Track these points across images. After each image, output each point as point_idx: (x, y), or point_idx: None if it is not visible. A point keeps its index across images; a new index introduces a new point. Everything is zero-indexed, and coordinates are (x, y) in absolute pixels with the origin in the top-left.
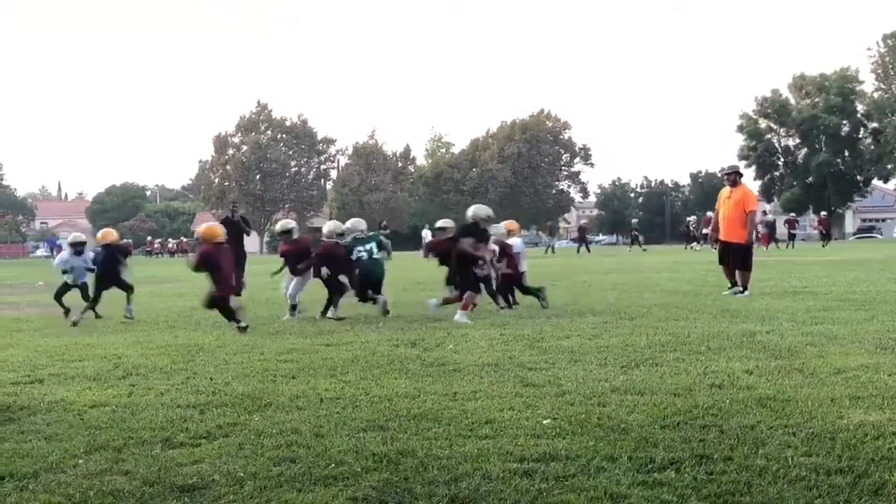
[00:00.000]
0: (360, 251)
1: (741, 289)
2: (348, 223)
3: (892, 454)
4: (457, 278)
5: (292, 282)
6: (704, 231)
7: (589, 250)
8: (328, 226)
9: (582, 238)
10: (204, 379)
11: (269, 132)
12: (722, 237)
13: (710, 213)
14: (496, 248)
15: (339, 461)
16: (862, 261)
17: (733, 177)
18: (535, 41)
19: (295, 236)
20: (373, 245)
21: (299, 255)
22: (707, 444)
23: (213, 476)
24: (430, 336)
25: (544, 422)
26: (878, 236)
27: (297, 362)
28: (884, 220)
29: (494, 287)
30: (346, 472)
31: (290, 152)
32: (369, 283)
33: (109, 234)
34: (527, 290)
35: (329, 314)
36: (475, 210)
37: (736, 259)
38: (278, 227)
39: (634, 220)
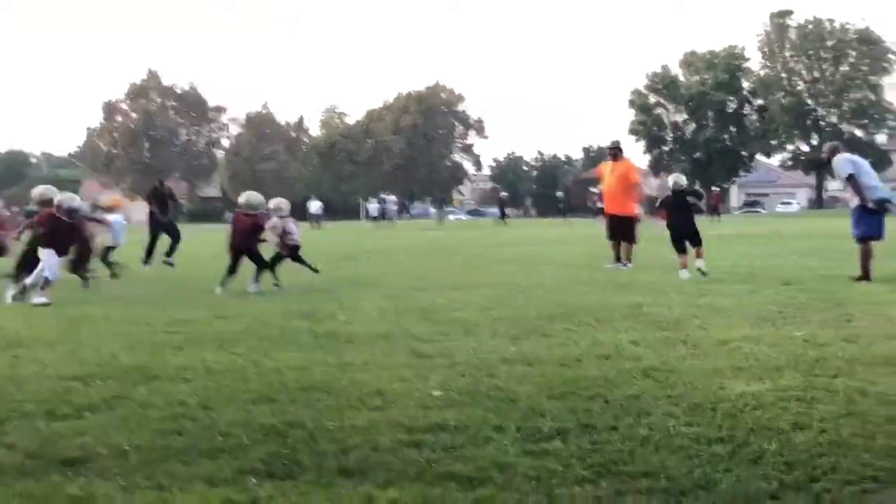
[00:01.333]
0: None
1: (625, 262)
2: (272, 202)
3: (770, 424)
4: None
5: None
6: (600, 205)
7: (506, 223)
8: (244, 196)
9: (502, 209)
10: (89, 350)
11: (158, 99)
12: (607, 210)
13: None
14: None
15: (226, 433)
16: (746, 235)
17: (615, 151)
18: (431, 13)
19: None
20: None
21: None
22: (593, 414)
23: (97, 449)
24: (322, 307)
25: (434, 393)
26: (762, 211)
27: (185, 334)
28: (767, 194)
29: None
30: (234, 445)
31: (181, 120)
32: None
33: None
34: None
35: (252, 289)
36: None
37: (621, 231)
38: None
39: (503, 193)
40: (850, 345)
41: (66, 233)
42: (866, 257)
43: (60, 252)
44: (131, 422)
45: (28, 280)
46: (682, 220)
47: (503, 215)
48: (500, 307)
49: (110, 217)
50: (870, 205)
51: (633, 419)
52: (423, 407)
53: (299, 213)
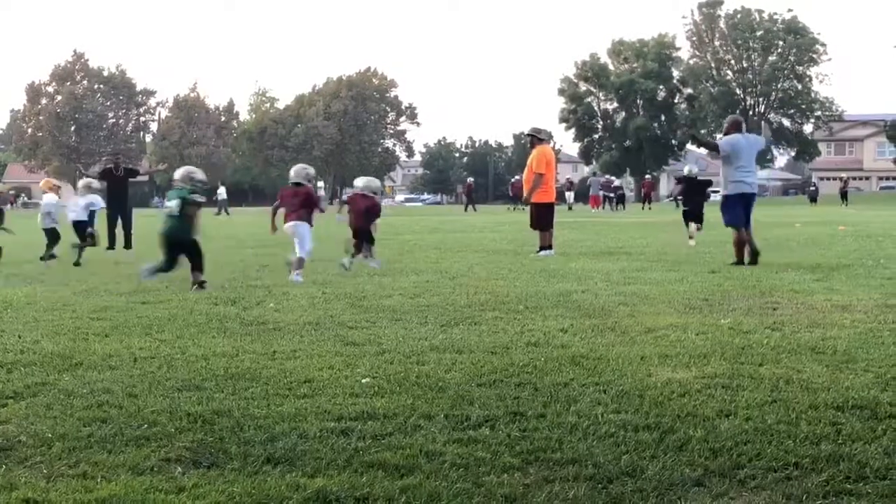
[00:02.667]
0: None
1: (540, 249)
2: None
3: (696, 411)
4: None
5: None
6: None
7: (475, 209)
8: (364, 181)
9: (469, 196)
10: (11, 337)
11: (85, 82)
12: (524, 199)
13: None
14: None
15: (152, 421)
16: (674, 222)
17: (530, 139)
18: None
19: None
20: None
21: None
22: (521, 401)
23: (19, 437)
24: (250, 294)
25: (363, 381)
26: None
27: (110, 320)
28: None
29: None
30: (160, 433)
31: (108, 103)
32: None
33: None
34: None
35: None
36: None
37: (534, 218)
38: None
39: (470, 179)
40: (775, 333)
41: None
42: (736, 242)
43: None
44: (55, 409)
45: None
46: (693, 204)
47: (471, 203)
48: (429, 294)
49: (43, 200)
50: (724, 192)
51: (562, 406)
52: (351, 395)
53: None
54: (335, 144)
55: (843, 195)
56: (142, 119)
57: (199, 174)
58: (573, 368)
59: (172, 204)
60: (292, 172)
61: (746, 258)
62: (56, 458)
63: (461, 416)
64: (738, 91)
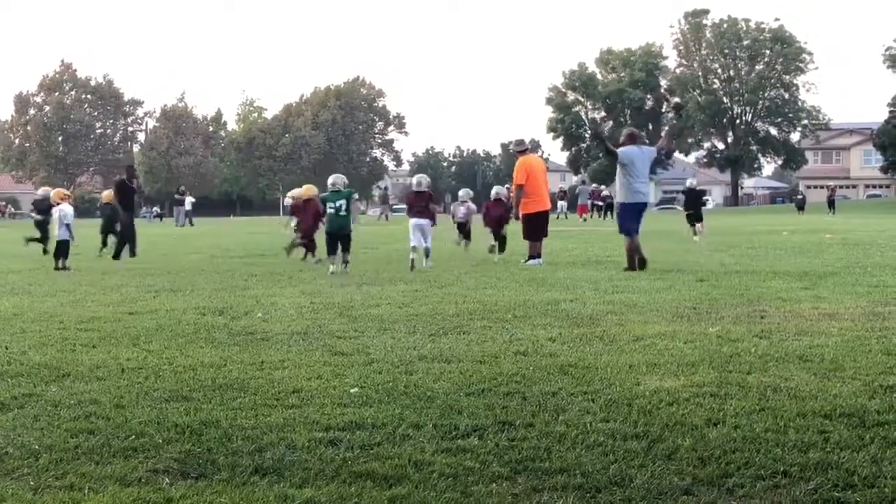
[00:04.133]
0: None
1: (529, 258)
2: (330, 179)
3: (685, 419)
4: None
5: None
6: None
7: None
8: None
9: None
10: None
11: (73, 92)
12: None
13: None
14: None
15: (139, 432)
16: (662, 231)
17: (515, 152)
18: (350, 6)
19: None
20: (343, 202)
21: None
22: (510, 410)
23: (6, 449)
24: (238, 304)
25: (351, 390)
26: (678, 207)
27: (98, 331)
28: (684, 191)
29: None
30: (147, 444)
31: (96, 113)
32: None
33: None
34: None
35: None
36: None
37: (523, 228)
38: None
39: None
40: (763, 341)
41: None
42: (628, 249)
43: None
44: (42, 420)
45: None
46: (695, 209)
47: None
48: (418, 303)
49: (56, 209)
50: (619, 200)
51: (550, 416)
52: (339, 405)
53: (229, 207)
54: (323, 154)
55: (831, 203)
56: (129, 129)
57: (344, 179)
58: (562, 377)
59: (339, 204)
60: (414, 181)
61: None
62: (43, 469)
63: (450, 425)
64: (725, 100)
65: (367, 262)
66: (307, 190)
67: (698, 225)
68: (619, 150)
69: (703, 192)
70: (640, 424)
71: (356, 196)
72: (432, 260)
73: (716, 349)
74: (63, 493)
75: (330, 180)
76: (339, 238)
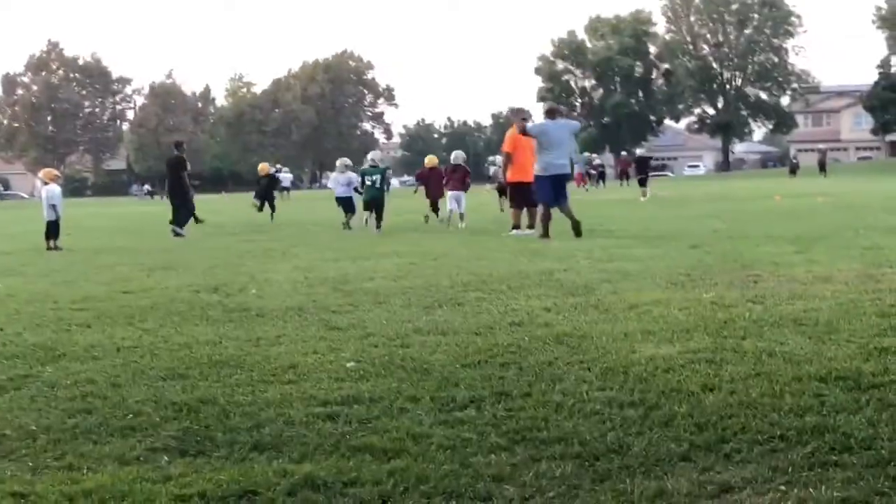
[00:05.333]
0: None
1: (513, 227)
2: (368, 155)
3: (680, 386)
4: None
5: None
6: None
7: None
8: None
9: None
10: None
11: (60, 71)
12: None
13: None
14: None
15: (136, 411)
16: (655, 199)
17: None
18: None
19: None
20: (378, 176)
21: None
22: (506, 381)
23: (3, 430)
24: (232, 281)
25: (348, 365)
26: (670, 174)
27: (92, 310)
28: (675, 158)
29: None
30: (145, 423)
31: (84, 92)
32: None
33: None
34: None
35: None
36: None
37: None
38: None
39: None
40: (757, 306)
41: None
42: (543, 218)
43: None
44: (39, 401)
45: None
46: (643, 174)
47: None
48: (412, 276)
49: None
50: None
51: (547, 385)
52: (336, 379)
53: (219, 183)
54: (313, 128)
55: (822, 166)
56: (118, 107)
57: (381, 155)
58: (557, 347)
59: (375, 178)
60: (453, 156)
61: (569, 231)
62: (41, 450)
63: (447, 397)
64: (714, 65)
65: (359, 236)
66: (430, 160)
67: (646, 188)
68: (530, 127)
69: (650, 159)
70: (636, 392)
71: (390, 172)
72: (465, 223)
73: (710, 315)
74: (62, 474)
75: (368, 156)
76: (375, 206)
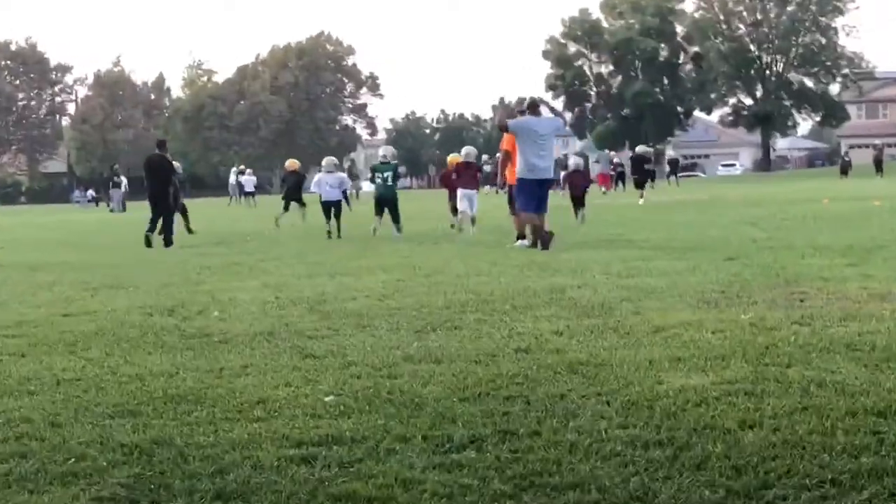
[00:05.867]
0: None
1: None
2: (380, 150)
3: (715, 422)
4: None
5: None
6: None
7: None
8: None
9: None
10: None
11: None
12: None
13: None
14: None
15: (80, 455)
16: (683, 202)
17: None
18: None
19: None
20: (390, 173)
21: None
22: (512, 417)
23: None
24: (190, 301)
25: (326, 399)
26: (702, 175)
27: (27, 337)
28: (707, 156)
29: None
30: (90, 468)
31: (17, 82)
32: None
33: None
34: None
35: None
36: None
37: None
38: None
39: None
40: (804, 328)
41: None
42: (518, 224)
43: None
44: None
45: None
46: (639, 175)
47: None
48: (401, 295)
49: None
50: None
51: (559, 422)
52: (312, 416)
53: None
54: (285, 122)
55: (878, 164)
56: (57, 100)
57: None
58: (571, 377)
59: (386, 175)
60: (464, 151)
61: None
62: None
63: (442, 436)
64: (751, 47)
65: (340, 247)
66: (455, 158)
67: (644, 190)
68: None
69: (648, 160)
70: (663, 429)
71: (402, 170)
72: (475, 228)
73: (749, 339)
74: None
75: (380, 152)
76: (385, 203)
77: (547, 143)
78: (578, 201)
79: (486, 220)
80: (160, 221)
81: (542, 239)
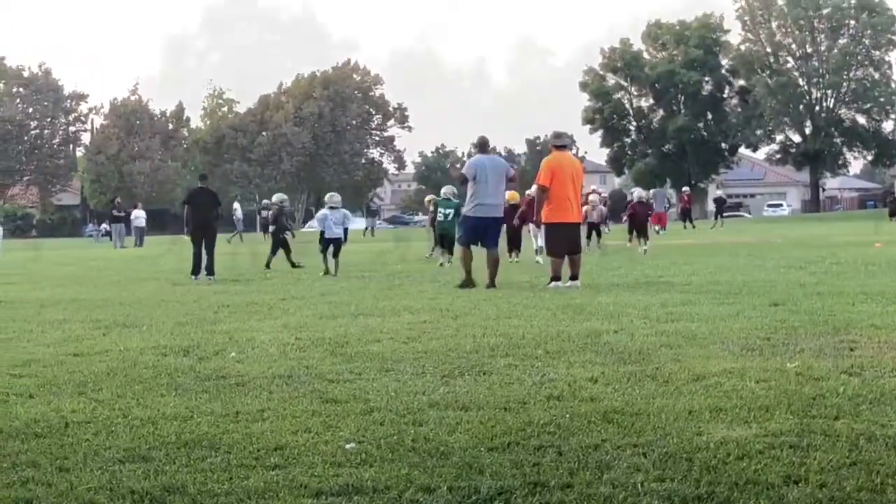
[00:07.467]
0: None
1: (551, 280)
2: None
3: (758, 477)
4: None
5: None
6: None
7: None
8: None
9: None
10: None
11: (1, 85)
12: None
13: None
14: None
15: (88, 501)
16: (728, 245)
17: (550, 147)
18: None
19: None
20: (452, 210)
21: None
22: (542, 468)
23: None
24: (207, 341)
25: (347, 446)
26: (747, 215)
27: (36, 377)
28: (753, 195)
29: None
30: None
31: (30, 110)
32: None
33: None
34: None
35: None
36: None
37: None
38: None
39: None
40: (854, 378)
41: None
42: (464, 260)
43: None
44: None
45: None
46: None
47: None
48: (427, 338)
49: None
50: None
51: (592, 474)
52: (332, 464)
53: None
54: (308, 155)
55: None
56: (71, 129)
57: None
58: (605, 427)
59: (449, 212)
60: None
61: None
62: None
63: (469, 488)
64: (800, 82)
65: (365, 287)
66: (513, 196)
67: (645, 238)
68: (466, 164)
69: (650, 206)
70: (702, 484)
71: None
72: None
73: (795, 389)
74: None
75: (443, 190)
76: (446, 241)
77: (500, 182)
78: (641, 232)
79: (519, 257)
80: (204, 256)
81: (465, 282)
